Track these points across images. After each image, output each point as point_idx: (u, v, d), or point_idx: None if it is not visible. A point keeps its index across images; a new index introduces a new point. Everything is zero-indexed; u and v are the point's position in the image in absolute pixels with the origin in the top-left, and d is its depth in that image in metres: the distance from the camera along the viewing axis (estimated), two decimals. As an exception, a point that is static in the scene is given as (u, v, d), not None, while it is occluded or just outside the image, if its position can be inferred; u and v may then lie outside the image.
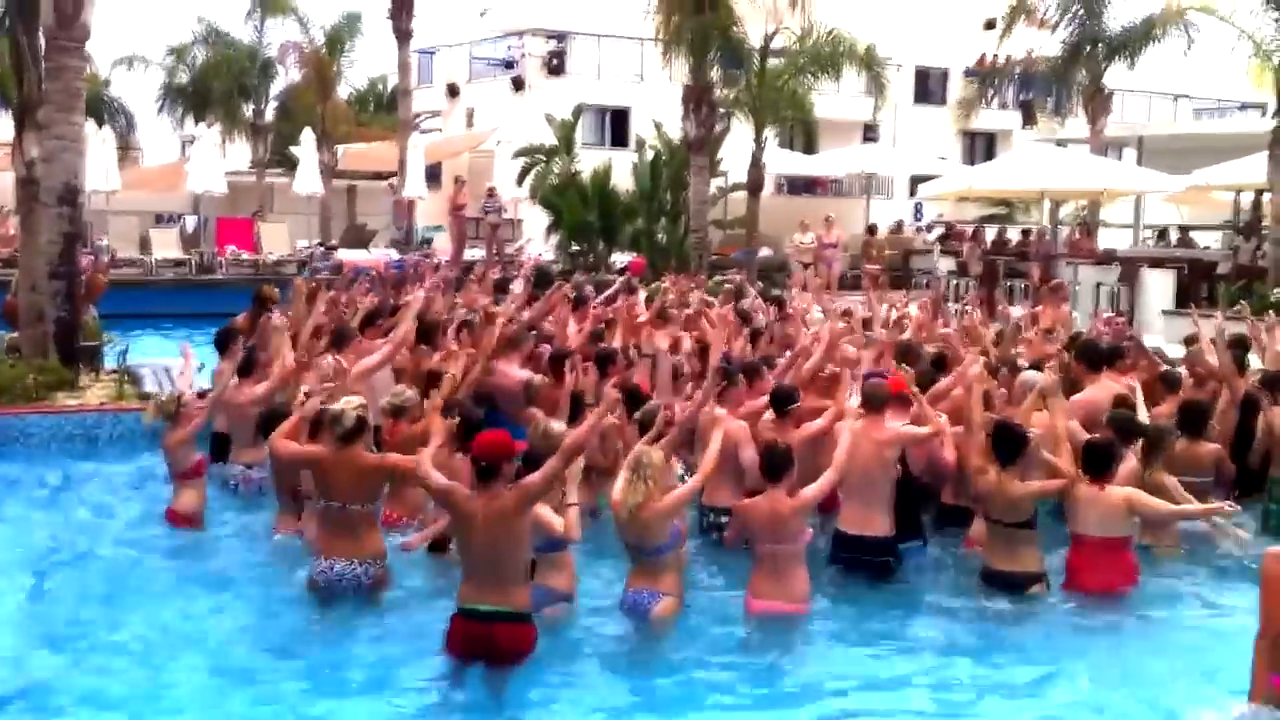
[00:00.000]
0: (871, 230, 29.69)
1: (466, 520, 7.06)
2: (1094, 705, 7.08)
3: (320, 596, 7.96)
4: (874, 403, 8.81)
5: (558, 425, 8.18)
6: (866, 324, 12.46)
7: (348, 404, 8.05)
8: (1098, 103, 29.11)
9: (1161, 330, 18.64)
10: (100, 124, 33.17)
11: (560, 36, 40.86)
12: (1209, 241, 27.66)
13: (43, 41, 14.14)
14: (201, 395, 10.07)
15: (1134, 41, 28.66)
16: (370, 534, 8.05)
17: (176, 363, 14.39)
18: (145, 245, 27.58)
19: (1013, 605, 8.22)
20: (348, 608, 7.88)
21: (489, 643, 6.98)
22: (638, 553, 7.73)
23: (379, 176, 35.49)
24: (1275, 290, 19.75)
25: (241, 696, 6.95)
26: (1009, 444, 8.30)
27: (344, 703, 6.93)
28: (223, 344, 10.77)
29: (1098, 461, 8.46)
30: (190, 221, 29.95)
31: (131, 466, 11.63)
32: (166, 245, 27.71)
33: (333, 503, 7.94)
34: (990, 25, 34.25)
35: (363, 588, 7.92)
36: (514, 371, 10.58)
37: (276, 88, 38.62)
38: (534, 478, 7.03)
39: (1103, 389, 10.33)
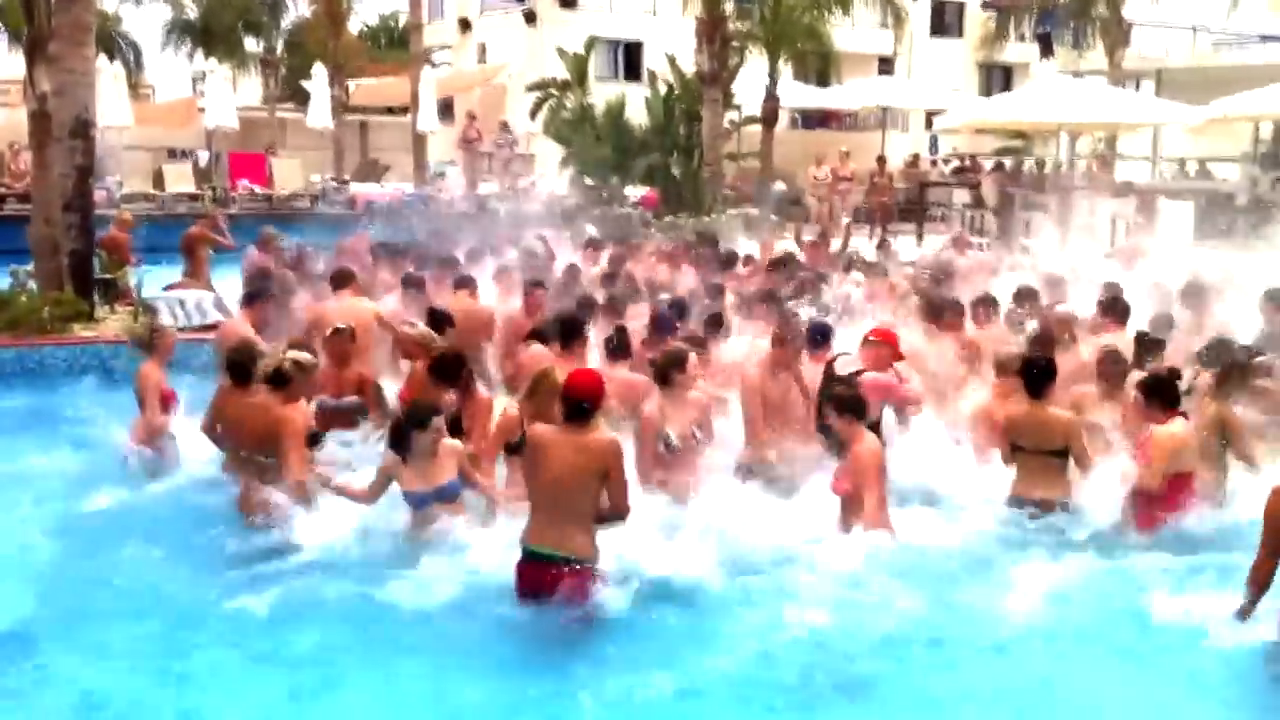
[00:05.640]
0: (880, 162, 29.42)
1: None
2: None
3: None
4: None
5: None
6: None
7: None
8: (1116, 35, 28.84)
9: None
10: (111, 59, 33.10)
11: (572, -31, 40.55)
12: (1227, 173, 27.44)
13: (51, -26, 14.10)
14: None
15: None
16: None
17: (191, 293, 14.47)
18: (159, 180, 27.58)
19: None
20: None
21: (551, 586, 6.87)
22: None
23: (391, 111, 35.34)
24: (1294, 221, 19.61)
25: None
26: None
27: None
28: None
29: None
30: (203, 157, 29.93)
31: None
32: (180, 180, 27.69)
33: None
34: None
35: None
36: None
37: (286, 22, 38.49)
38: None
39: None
